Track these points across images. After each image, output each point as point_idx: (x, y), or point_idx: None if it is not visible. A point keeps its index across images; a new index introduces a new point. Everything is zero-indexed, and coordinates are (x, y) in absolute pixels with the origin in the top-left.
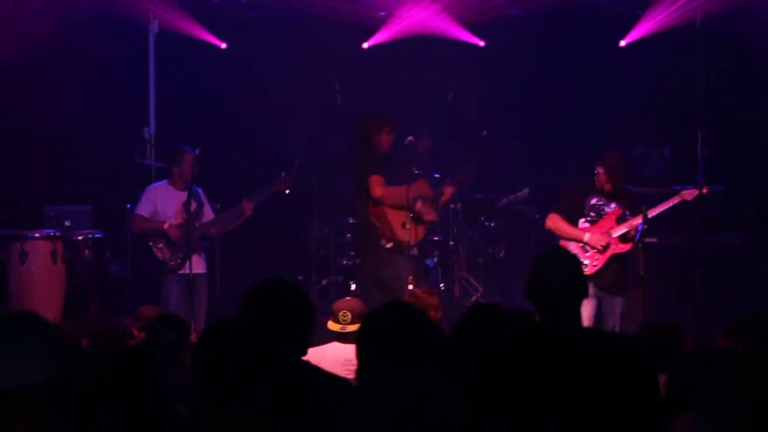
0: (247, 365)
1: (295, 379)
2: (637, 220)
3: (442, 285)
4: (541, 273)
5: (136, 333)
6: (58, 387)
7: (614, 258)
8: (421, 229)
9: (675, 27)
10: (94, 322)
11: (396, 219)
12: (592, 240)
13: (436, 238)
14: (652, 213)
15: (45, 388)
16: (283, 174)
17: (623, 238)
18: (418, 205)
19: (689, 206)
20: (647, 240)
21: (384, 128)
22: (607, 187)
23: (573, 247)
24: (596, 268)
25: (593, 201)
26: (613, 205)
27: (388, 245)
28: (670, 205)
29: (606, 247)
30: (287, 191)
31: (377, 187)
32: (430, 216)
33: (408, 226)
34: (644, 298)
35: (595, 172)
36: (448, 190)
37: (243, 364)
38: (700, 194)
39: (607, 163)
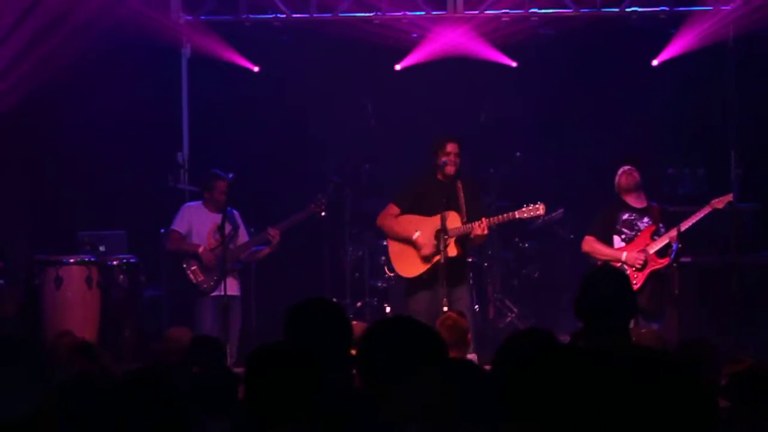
0: (300, 386)
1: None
2: (672, 233)
3: (476, 306)
4: (590, 290)
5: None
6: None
7: (653, 276)
8: (419, 264)
9: (707, 46)
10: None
11: (393, 248)
12: (630, 258)
13: (470, 260)
14: (684, 225)
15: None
16: (319, 196)
17: (660, 253)
18: (415, 235)
19: (724, 224)
20: (682, 259)
21: (445, 145)
22: (637, 204)
23: None
24: (636, 287)
25: (625, 216)
26: (646, 220)
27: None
28: (702, 215)
29: (644, 265)
30: (323, 214)
31: (381, 214)
32: (426, 250)
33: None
34: (679, 317)
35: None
36: (477, 227)
37: (296, 386)
38: (730, 202)
39: (616, 185)
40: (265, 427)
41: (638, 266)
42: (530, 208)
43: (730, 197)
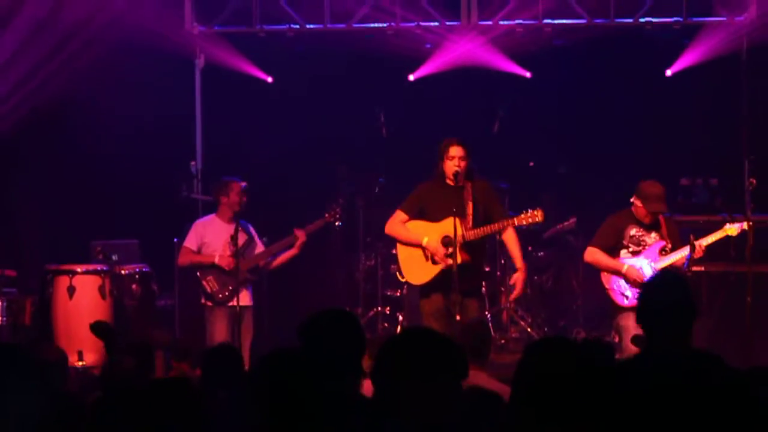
0: (316, 394)
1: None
2: (683, 252)
3: (488, 314)
4: (649, 296)
5: (174, 364)
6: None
7: None
8: (428, 270)
9: (721, 56)
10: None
11: (402, 255)
12: (630, 272)
13: (487, 269)
14: (698, 243)
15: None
16: (334, 205)
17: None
18: (425, 241)
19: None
20: (694, 269)
21: (448, 148)
22: (647, 220)
23: (615, 279)
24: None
25: (632, 232)
26: (653, 235)
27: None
28: (714, 240)
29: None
30: (338, 223)
31: (389, 221)
32: (437, 256)
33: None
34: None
35: (632, 202)
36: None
37: (312, 393)
38: (744, 231)
39: (642, 193)
40: None
41: (639, 282)
42: (528, 214)
43: (744, 225)
